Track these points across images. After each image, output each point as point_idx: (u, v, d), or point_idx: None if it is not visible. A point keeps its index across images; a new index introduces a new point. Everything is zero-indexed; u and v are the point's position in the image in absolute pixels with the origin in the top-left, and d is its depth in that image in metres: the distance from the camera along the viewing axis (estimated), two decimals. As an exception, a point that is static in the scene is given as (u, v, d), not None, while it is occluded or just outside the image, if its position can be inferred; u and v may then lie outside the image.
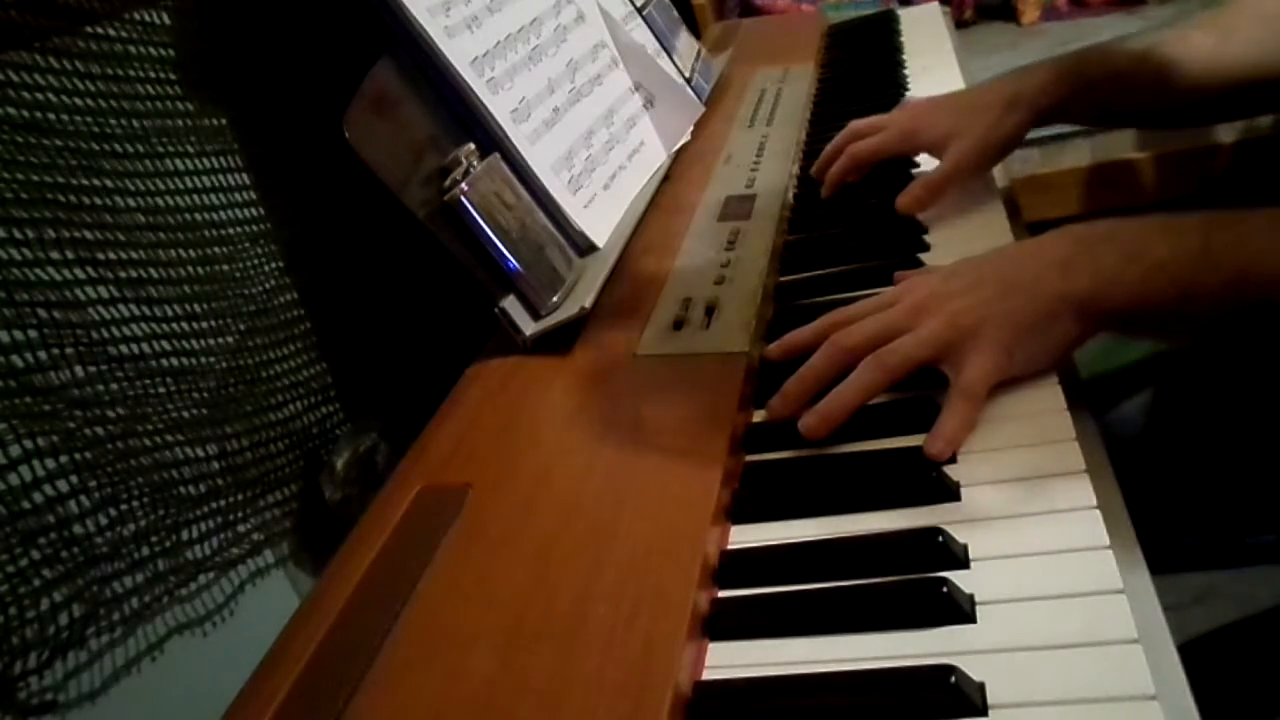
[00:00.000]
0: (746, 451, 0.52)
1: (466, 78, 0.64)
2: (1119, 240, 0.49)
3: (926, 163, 0.76)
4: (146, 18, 0.63)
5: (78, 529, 0.54)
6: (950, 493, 0.45)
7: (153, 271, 0.61)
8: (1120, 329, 0.51)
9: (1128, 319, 0.49)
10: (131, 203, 0.60)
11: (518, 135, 0.66)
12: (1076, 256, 0.49)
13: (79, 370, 0.55)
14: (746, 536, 0.47)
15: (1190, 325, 0.50)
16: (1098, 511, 0.41)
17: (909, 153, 0.76)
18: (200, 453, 0.63)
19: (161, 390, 0.61)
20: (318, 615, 0.44)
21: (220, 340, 0.66)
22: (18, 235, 0.52)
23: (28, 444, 0.51)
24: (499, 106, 0.65)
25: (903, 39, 1.15)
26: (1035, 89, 0.69)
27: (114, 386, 0.57)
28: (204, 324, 0.65)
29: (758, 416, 0.55)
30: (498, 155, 0.64)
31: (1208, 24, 0.70)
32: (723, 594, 0.44)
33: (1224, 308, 0.47)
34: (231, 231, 0.69)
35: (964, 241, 0.67)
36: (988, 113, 0.70)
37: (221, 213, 0.68)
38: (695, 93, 0.94)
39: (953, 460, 0.47)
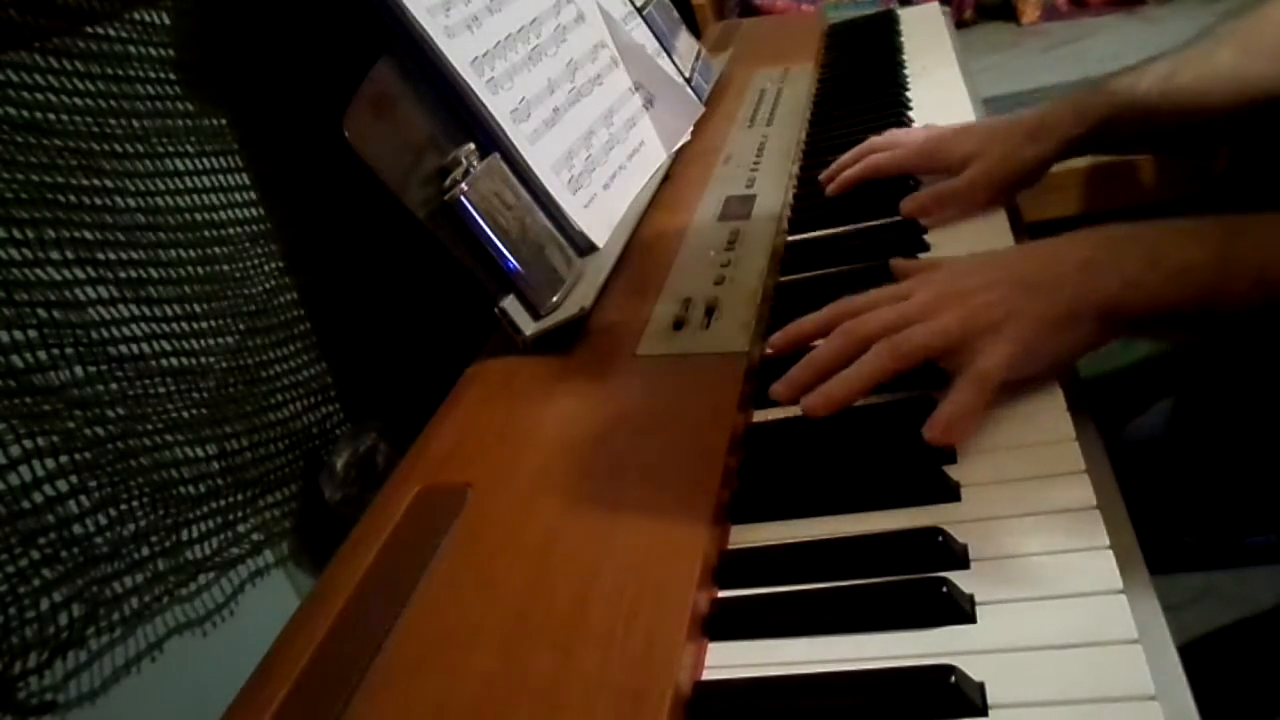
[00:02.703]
0: (747, 452, 0.52)
1: (466, 78, 0.64)
2: (1141, 244, 0.49)
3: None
4: (146, 18, 0.63)
5: (78, 529, 0.54)
6: (950, 493, 0.45)
7: (153, 271, 0.61)
8: (1138, 332, 0.50)
9: (1147, 322, 0.49)
10: (131, 203, 0.60)
11: (518, 135, 0.66)
12: (1099, 259, 0.49)
13: (79, 370, 0.55)
14: (746, 536, 0.47)
15: (1208, 328, 0.49)
16: (1098, 511, 0.41)
17: (926, 172, 0.75)
18: (200, 453, 0.63)
19: (161, 390, 0.61)
20: (318, 615, 0.44)
21: (220, 340, 0.66)
22: (18, 235, 0.52)
23: (28, 444, 0.51)
24: (499, 106, 0.65)
25: (903, 39, 1.15)
26: (1061, 122, 0.68)
27: (114, 386, 0.57)
28: (204, 324, 0.65)
29: (758, 416, 0.55)
30: (498, 155, 0.64)
31: (1230, 38, 0.69)
32: (723, 594, 0.44)
33: (1244, 311, 0.46)
34: (231, 231, 0.69)
35: (964, 241, 0.67)
36: (1008, 141, 0.69)
37: (221, 213, 0.68)
38: (695, 93, 0.94)
39: (953, 460, 0.47)
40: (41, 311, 0.53)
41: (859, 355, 0.51)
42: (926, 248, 0.67)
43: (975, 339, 0.49)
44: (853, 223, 0.74)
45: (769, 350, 0.58)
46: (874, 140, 0.77)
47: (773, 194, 0.77)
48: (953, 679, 0.35)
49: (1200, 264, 0.47)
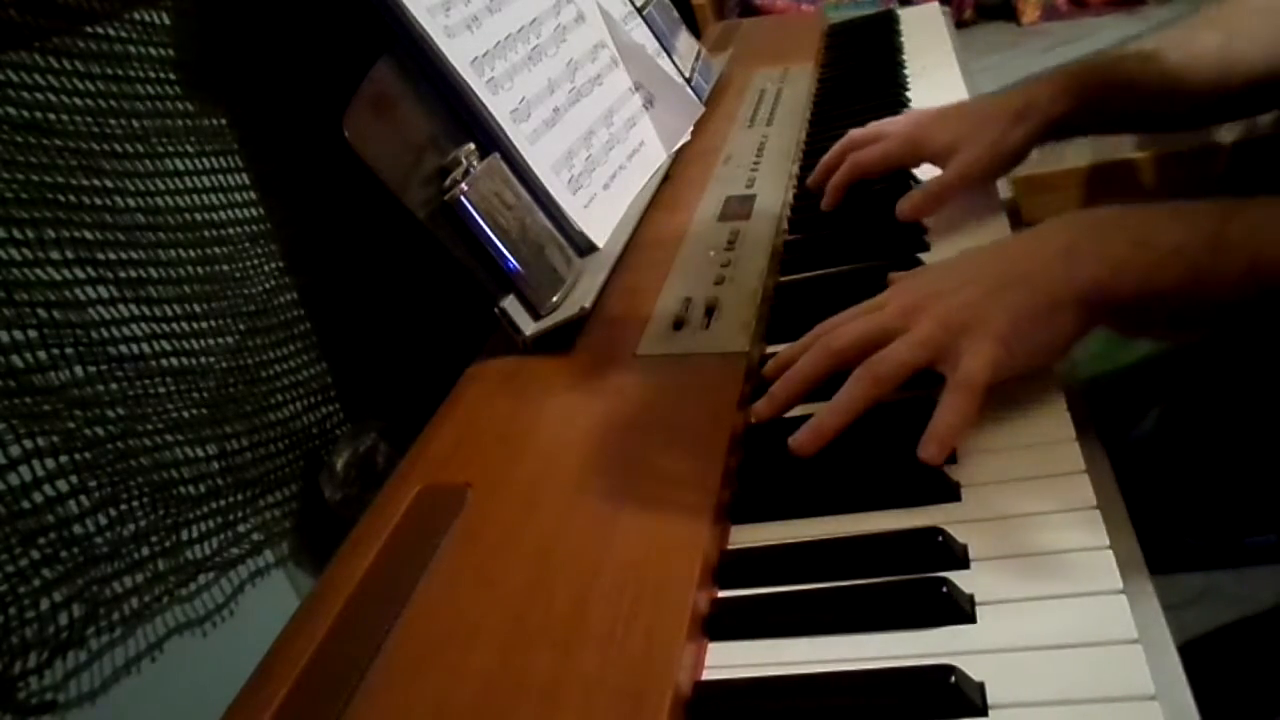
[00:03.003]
0: (747, 452, 0.52)
1: (466, 78, 0.64)
2: (1127, 226, 0.47)
3: (925, 171, 0.75)
4: (146, 18, 0.63)
5: (78, 529, 0.54)
6: (950, 493, 0.45)
7: (153, 271, 0.61)
8: (1125, 321, 0.49)
9: (1134, 309, 0.47)
10: (131, 203, 0.60)
11: (518, 135, 0.66)
12: (1082, 243, 0.47)
13: (79, 370, 0.55)
14: (746, 536, 0.47)
15: (1198, 316, 0.47)
16: (1098, 511, 0.41)
17: (912, 163, 0.74)
18: (200, 453, 0.63)
19: (161, 390, 0.61)
20: (318, 615, 0.44)
21: (220, 340, 0.66)
22: (18, 235, 0.52)
23: (28, 444, 0.51)
24: (499, 106, 0.65)
25: (903, 39, 1.15)
26: (1044, 101, 0.67)
27: (114, 386, 0.57)
28: (204, 324, 0.65)
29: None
30: (498, 155, 0.64)
31: (1213, 22, 0.69)
32: (723, 594, 0.44)
33: (1236, 297, 0.45)
34: (231, 231, 0.69)
35: (964, 241, 0.67)
36: (995, 124, 0.68)
37: (221, 213, 0.68)
38: (695, 93, 0.94)
39: (953, 460, 0.47)
40: (41, 311, 0.53)
41: (834, 369, 0.50)
42: (926, 247, 0.67)
43: (957, 341, 0.47)
44: (852, 222, 0.74)
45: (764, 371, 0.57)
46: (854, 135, 0.75)
47: (773, 194, 0.77)
48: (953, 679, 0.35)
49: (1190, 246, 0.45)
